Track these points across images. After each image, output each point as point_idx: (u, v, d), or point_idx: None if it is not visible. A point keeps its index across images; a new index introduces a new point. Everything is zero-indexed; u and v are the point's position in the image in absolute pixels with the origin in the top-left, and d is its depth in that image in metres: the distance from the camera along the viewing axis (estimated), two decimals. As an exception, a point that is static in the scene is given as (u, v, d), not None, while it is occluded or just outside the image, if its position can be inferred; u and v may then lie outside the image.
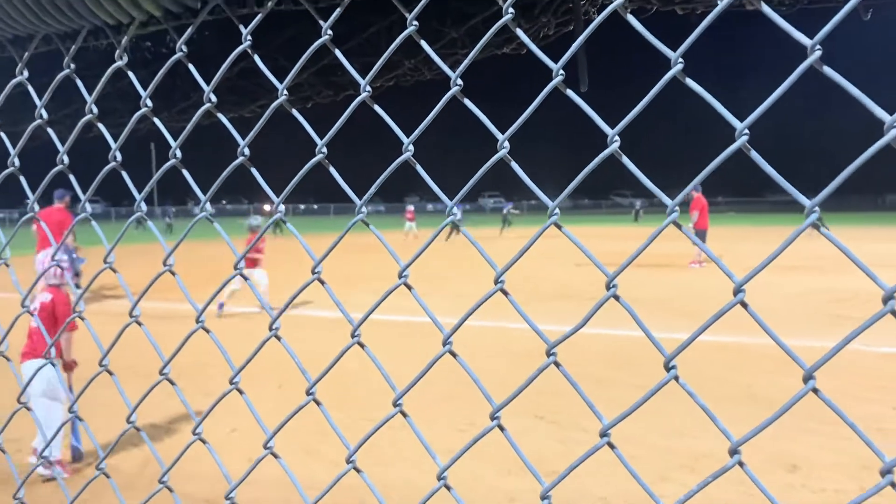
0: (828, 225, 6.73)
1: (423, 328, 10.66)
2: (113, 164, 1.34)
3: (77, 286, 5.87)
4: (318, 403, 1.18)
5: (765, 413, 6.37)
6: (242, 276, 1.21)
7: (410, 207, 37.11)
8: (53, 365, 1.64)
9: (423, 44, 1.01)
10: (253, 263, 12.69)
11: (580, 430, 6.25)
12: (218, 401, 1.30)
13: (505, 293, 1.00)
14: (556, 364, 0.97)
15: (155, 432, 6.37)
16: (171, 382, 1.33)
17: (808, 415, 5.87)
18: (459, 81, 1.00)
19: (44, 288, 5.52)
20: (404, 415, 1.12)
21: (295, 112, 1.17)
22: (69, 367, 5.59)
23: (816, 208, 0.75)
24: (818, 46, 0.75)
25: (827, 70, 0.76)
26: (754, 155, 0.81)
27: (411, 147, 1.03)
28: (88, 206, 1.38)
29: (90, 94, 1.35)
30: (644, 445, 5.97)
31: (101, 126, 1.34)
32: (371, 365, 6.27)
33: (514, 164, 0.99)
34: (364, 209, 1.13)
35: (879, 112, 0.72)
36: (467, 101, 1.01)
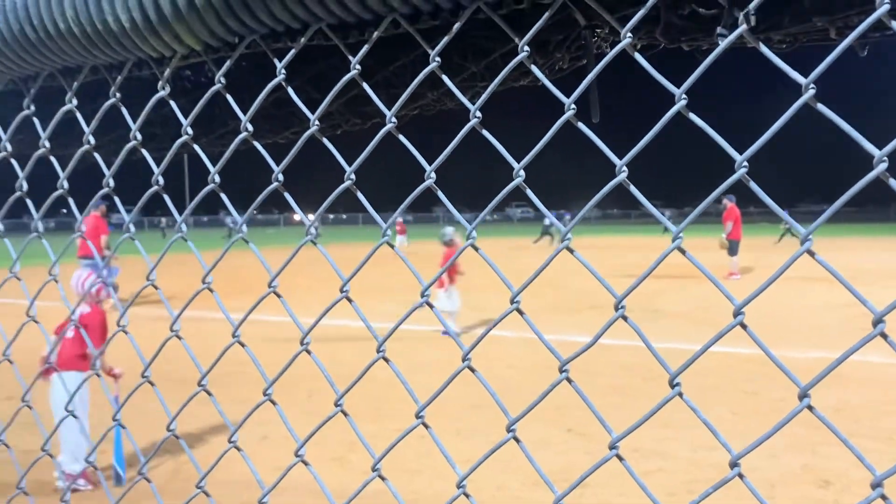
0: (847, 236, 6.78)
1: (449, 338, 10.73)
2: (156, 188, 1.43)
3: (114, 291, 6.03)
4: (345, 415, 1.25)
5: (794, 428, 6.28)
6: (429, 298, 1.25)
7: (400, 219, 32.57)
8: (98, 375, 1.73)
9: (445, 78, 1.08)
10: (450, 281, 11.83)
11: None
12: (252, 411, 1.38)
13: (520, 312, 1.06)
14: (569, 380, 1.02)
15: (188, 440, 6.50)
16: (209, 393, 1.40)
17: (843, 430, 5.79)
18: (478, 114, 1.06)
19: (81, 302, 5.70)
20: (426, 426, 1.18)
21: (325, 140, 1.24)
22: (114, 376, 5.75)
23: (810, 237, 0.80)
24: (812, 85, 0.80)
25: (820, 107, 0.80)
26: (753, 186, 0.87)
27: (433, 175, 1.10)
28: (133, 228, 1.46)
29: (134, 120, 1.44)
30: (672, 458, 5.95)
31: (144, 151, 1.43)
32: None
33: (529, 192, 1.05)
34: (388, 232, 1.19)
35: (868, 146, 0.77)
36: (486, 133, 1.08)
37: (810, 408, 0.84)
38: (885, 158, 0.75)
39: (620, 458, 1.01)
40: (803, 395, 0.84)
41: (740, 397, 7.68)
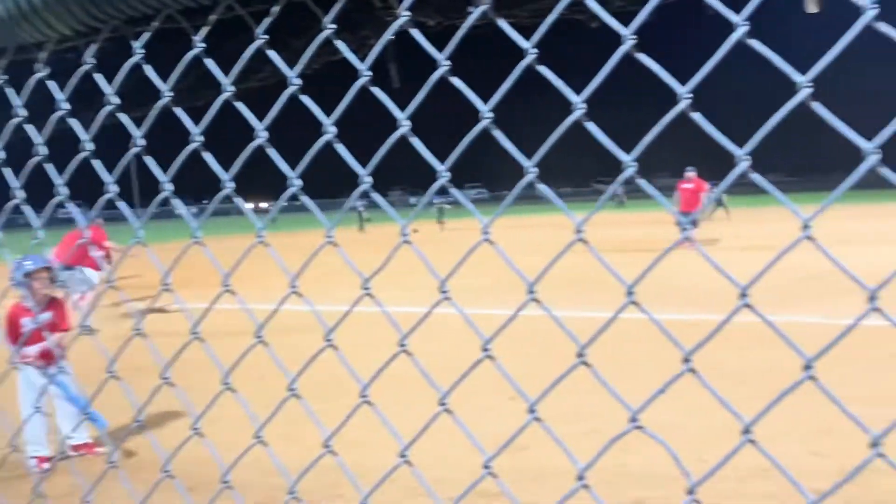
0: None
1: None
2: (85, 153, 1.59)
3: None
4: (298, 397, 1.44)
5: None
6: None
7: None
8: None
9: (272, 53, 1.26)
10: None
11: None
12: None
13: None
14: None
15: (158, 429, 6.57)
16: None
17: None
18: (297, 81, 1.25)
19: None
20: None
21: (178, 110, 1.42)
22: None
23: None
24: (745, 21, 0.96)
25: (752, 42, 0.96)
26: (675, 121, 1.04)
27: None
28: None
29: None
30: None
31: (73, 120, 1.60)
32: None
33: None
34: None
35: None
36: (305, 98, 1.26)
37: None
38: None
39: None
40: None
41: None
